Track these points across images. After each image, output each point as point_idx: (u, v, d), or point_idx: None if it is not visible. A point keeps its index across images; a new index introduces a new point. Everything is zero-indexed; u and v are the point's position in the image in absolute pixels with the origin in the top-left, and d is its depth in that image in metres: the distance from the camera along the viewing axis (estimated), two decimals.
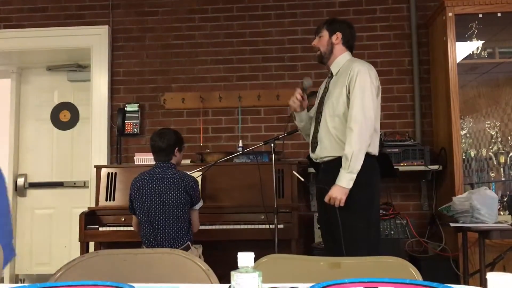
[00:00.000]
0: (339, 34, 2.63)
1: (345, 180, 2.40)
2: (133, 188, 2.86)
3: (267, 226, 3.02)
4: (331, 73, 2.66)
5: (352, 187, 2.42)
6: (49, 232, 4.39)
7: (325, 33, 2.67)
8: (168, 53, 4.14)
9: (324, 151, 2.58)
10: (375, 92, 2.49)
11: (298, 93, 2.66)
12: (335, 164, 2.47)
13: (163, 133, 2.94)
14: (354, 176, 2.39)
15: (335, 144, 2.51)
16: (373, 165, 2.53)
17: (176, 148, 2.93)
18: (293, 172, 2.89)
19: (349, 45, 2.67)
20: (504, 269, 3.05)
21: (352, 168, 2.39)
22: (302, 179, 2.80)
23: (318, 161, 2.65)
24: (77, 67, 4.50)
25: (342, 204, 2.41)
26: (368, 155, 2.47)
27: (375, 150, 2.54)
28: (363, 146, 2.40)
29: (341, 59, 2.63)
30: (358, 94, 2.43)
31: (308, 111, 2.79)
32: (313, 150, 2.65)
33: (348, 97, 2.48)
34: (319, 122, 2.62)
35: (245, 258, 0.95)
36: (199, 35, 4.13)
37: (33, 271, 4.36)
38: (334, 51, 2.64)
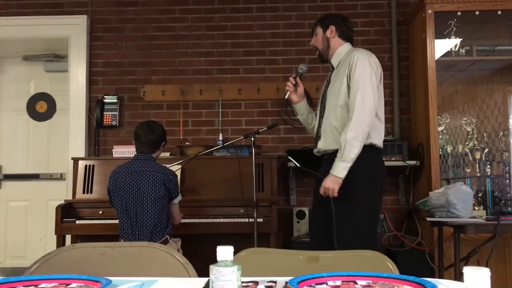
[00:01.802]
0: (332, 27, 2.60)
1: (338, 169, 2.34)
2: (111, 181, 2.82)
3: (247, 220, 3.03)
4: (332, 66, 2.63)
5: (354, 180, 2.37)
6: (25, 225, 4.32)
7: (319, 30, 2.64)
8: (148, 44, 4.09)
9: (327, 145, 2.53)
10: (375, 80, 2.43)
11: (291, 77, 2.67)
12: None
13: (153, 125, 2.92)
14: (348, 165, 2.33)
15: (338, 136, 2.44)
16: (377, 159, 2.50)
17: (163, 143, 2.92)
18: (289, 157, 2.87)
19: (346, 36, 2.62)
20: (478, 263, 3.11)
21: (345, 156, 2.33)
22: (298, 165, 2.80)
23: (320, 154, 2.61)
24: (55, 57, 4.42)
25: (335, 195, 2.34)
26: (372, 148, 2.44)
27: (380, 142, 2.49)
28: (359, 134, 2.33)
29: (341, 50, 2.59)
30: (356, 83, 2.40)
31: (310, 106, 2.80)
32: (316, 145, 2.61)
33: (349, 86, 2.44)
34: (323, 116, 2.58)
35: (224, 252, 0.95)
36: (180, 27, 4.09)
37: (7, 264, 4.28)
38: (331, 45, 2.61)
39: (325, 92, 2.62)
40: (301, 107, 2.77)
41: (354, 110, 2.37)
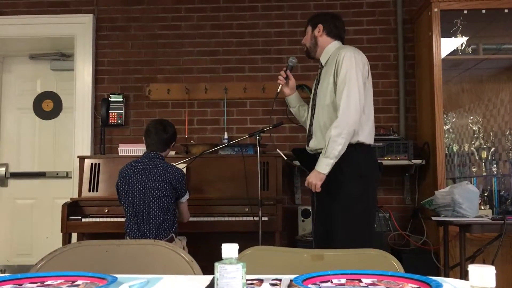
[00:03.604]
0: (320, 26, 2.64)
1: (322, 165, 2.38)
2: (120, 178, 2.84)
3: (252, 218, 3.03)
4: (321, 64, 2.65)
5: (344, 180, 2.39)
6: (31, 223, 4.34)
7: (308, 28, 2.70)
8: (153, 43, 4.09)
9: (317, 143, 2.56)
10: (362, 78, 2.44)
11: (282, 71, 2.73)
12: None
13: (166, 124, 2.93)
14: (331, 161, 2.36)
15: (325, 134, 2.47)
16: (366, 156, 2.50)
17: (173, 142, 2.94)
18: (278, 150, 2.89)
19: (335, 34, 2.64)
20: (484, 263, 3.10)
21: (328, 153, 2.36)
22: (285, 158, 2.83)
23: (313, 152, 2.64)
24: (61, 56, 4.44)
25: (318, 190, 2.39)
26: (361, 145, 2.45)
27: (369, 139, 2.50)
28: (343, 131, 2.35)
29: (330, 48, 2.62)
30: (343, 81, 2.42)
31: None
32: (308, 143, 2.64)
33: (335, 84, 2.46)
34: (313, 115, 2.61)
35: (229, 250, 0.95)
36: (185, 26, 4.10)
37: (13, 261, 4.31)
38: (318, 43, 2.64)
39: (316, 91, 2.64)
40: (293, 100, 2.82)
41: (339, 110, 2.39)
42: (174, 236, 2.84)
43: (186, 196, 2.92)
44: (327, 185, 2.43)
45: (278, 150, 2.90)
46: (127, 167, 2.84)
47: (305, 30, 2.74)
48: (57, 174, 4.36)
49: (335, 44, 2.63)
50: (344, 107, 2.38)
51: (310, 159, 2.70)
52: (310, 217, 3.63)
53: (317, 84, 2.65)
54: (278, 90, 2.75)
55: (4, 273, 4.16)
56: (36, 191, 4.36)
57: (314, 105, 2.62)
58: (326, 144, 2.37)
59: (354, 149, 2.43)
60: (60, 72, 4.45)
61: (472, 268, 0.77)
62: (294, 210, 3.76)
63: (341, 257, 1.45)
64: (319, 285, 1.06)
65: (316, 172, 2.39)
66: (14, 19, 4.09)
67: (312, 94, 2.70)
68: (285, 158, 2.87)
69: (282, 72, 2.73)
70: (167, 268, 1.41)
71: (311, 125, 2.64)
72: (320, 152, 2.53)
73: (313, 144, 2.60)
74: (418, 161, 3.59)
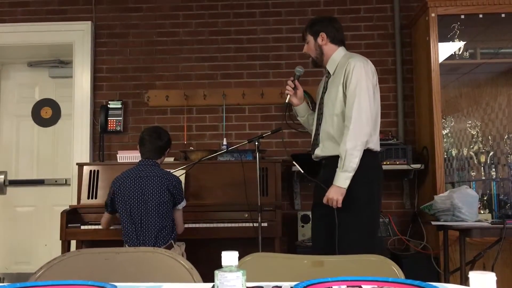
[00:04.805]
0: (323, 35, 2.59)
1: (340, 179, 2.36)
2: (116, 187, 2.82)
3: (251, 224, 3.02)
4: (328, 72, 2.62)
5: (351, 184, 2.38)
6: (30, 230, 4.33)
7: (309, 38, 2.64)
8: (152, 50, 4.10)
9: (324, 151, 2.54)
10: (372, 88, 2.44)
11: (289, 81, 2.68)
12: (336, 160, 2.42)
13: (160, 131, 2.94)
14: (350, 174, 2.35)
15: (334, 143, 2.47)
16: (373, 162, 2.50)
17: (168, 150, 2.94)
18: (294, 162, 2.88)
19: (338, 40, 2.61)
20: (484, 267, 3.10)
21: (346, 167, 2.35)
22: (302, 171, 2.81)
23: (319, 159, 2.62)
24: (59, 63, 4.44)
25: (339, 205, 2.37)
26: (369, 152, 2.45)
27: (377, 146, 2.51)
28: (358, 143, 2.36)
29: (336, 56, 2.58)
30: (353, 92, 2.40)
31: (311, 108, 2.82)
32: (313, 151, 2.63)
33: (345, 95, 2.45)
34: (320, 124, 2.59)
35: (229, 257, 0.95)
36: (184, 32, 4.11)
37: (12, 269, 4.29)
38: (324, 52, 2.60)
39: (322, 99, 2.62)
40: (302, 109, 2.80)
41: (351, 120, 2.38)
42: (173, 243, 2.83)
43: (183, 203, 2.91)
44: None
45: (294, 162, 2.88)
46: (123, 175, 2.83)
47: (303, 38, 2.68)
48: (56, 181, 4.35)
49: (340, 51, 2.59)
50: (356, 119, 2.37)
51: (309, 165, 2.70)
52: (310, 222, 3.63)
53: (324, 92, 2.62)
54: (287, 101, 2.71)
55: (3, 282, 4.15)
56: (35, 199, 4.35)
57: (321, 113, 2.60)
58: (343, 158, 2.36)
59: (363, 156, 2.42)
60: (58, 79, 4.46)
61: (473, 275, 0.76)
62: (294, 215, 3.75)
63: (341, 263, 1.45)
64: None
65: (335, 188, 2.37)
66: (13, 27, 4.09)
67: (318, 102, 2.68)
68: (302, 172, 2.85)
69: (290, 82, 2.68)
70: (166, 276, 1.40)
71: (317, 133, 2.61)
72: (326, 158, 2.54)
73: (319, 152, 2.58)
74: (417, 166, 3.59)
